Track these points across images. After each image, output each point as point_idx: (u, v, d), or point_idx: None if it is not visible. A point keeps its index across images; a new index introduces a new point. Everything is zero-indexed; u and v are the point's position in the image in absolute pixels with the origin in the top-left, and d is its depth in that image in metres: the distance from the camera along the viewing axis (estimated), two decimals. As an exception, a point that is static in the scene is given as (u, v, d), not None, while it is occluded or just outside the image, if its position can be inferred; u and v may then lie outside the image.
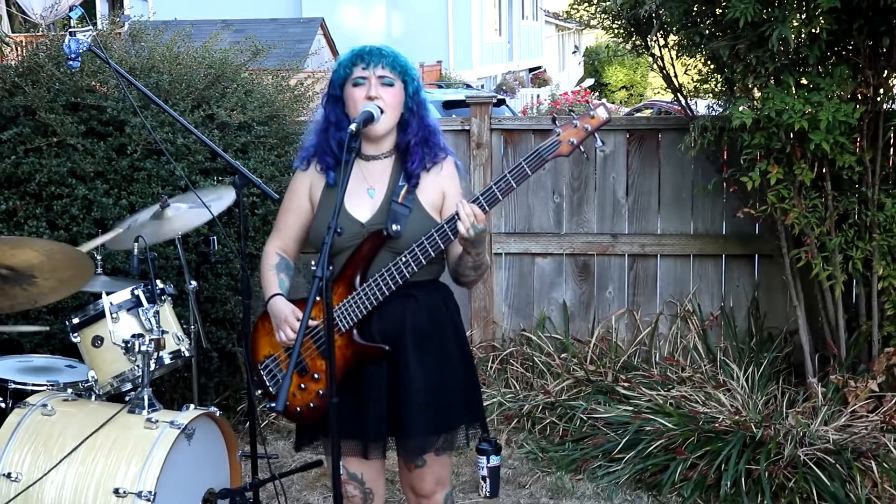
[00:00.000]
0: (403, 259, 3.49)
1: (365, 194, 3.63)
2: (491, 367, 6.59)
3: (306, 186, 3.74)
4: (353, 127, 3.43)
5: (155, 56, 6.13)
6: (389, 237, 3.54)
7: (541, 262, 6.89)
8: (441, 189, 3.63)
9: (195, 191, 4.81)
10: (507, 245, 6.88)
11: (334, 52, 27.40)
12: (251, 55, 6.53)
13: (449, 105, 15.19)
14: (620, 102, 32.91)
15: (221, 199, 4.88)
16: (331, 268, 3.29)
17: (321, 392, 3.61)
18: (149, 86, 5.74)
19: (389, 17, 29.68)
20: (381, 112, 3.55)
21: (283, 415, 3.79)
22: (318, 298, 3.31)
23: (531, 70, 37.24)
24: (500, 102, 15.91)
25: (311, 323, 3.55)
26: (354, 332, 3.57)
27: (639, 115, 10.12)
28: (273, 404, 3.16)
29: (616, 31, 6.70)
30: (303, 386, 3.65)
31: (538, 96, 28.78)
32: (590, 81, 32.18)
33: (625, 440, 5.53)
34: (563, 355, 6.55)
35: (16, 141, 5.69)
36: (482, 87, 29.13)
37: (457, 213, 3.40)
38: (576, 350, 6.60)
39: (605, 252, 6.81)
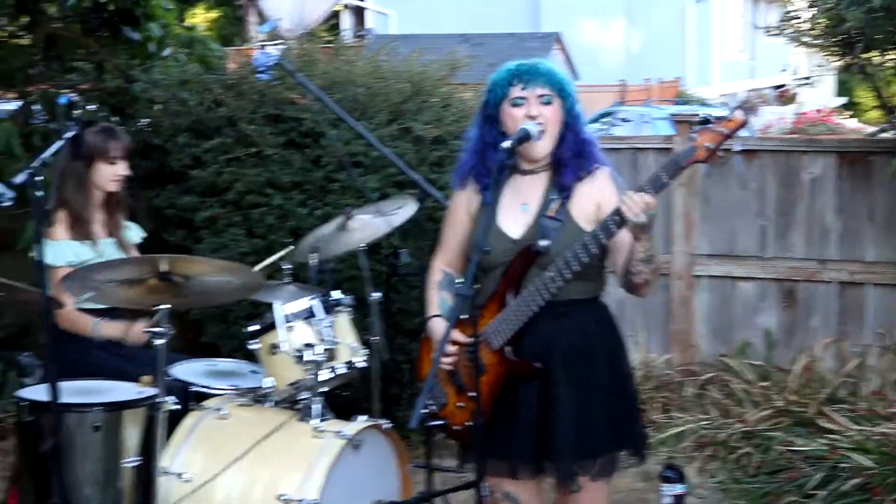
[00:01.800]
0: (550, 273, 3.40)
1: (518, 209, 3.56)
2: (689, 392, 6.38)
3: (464, 205, 3.70)
4: (506, 144, 3.38)
5: (355, 70, 6.19)
6: (539, 253, 3.45)
7: (743, 286, 6.65)
8: (595, 200, 3.51)
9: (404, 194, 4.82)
10: (709, 268, 6.68)
11: (571, 68, 27.41)
12: (449, 69, 6.51)
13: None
14: (873, 123, 31.69)
15: (403, 209, 4.90)
16: (477, 286, 3.24)
17: (476, 411, 3.54)
18: (346, 99, 5.80)
19: (628, 32, 29.48)
20: (542, 132, 3.47)
21: (446, 434, 3.75)
22: (469, 317, 3.29)
23: (777, 87, 36.27)
24: (706, 122, 15.46)
25: (464, 340, 3.48)
26: (507, 349, 3.50)
27: (853, 137, 9.66)
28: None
29: (826, 48, 6.43)
30: (460, 404, 3.60)
31: (782, 115, 28.00)
32: (840, 101, 31.12)
33: (821, 476, 5.26)
34: (763, 383, 6.28)
35: (218, 151, 5.85)
36: (725, 104, 28.53)
37: (620, 204, 3.28)
38: (777, 379, 6.32)
39: (811, 278, 6.52)
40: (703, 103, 23.82)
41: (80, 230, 4.73)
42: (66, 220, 4.72)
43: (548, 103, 3.49)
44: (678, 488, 5.11)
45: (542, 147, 3.51)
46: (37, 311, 4.00)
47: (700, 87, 28.96)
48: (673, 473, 5.14)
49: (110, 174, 4.79)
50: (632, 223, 3.27)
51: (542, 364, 3.47)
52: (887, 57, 6.02)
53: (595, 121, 21.60)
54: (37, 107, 6.17)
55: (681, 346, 6.71)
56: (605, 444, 3.54)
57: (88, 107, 6.57)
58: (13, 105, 7.10)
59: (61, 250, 4.64)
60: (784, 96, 34.92)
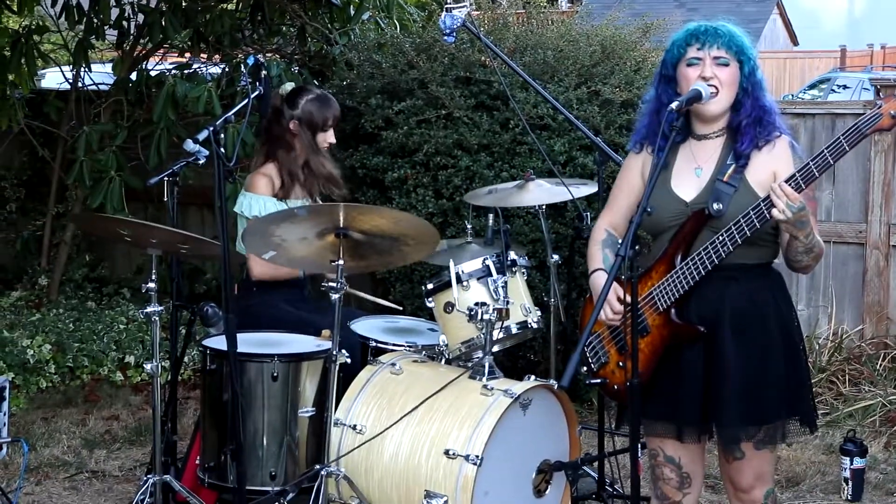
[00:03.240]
0: (721, 238, 3.37)
1: (692, 173, 3.53)
2: (880, 366, 6.21)
3: (638, 167, 3.68)
4: (674, 105, 3.36)
5: (547, 33, 6.22)
6: (712, 216, 3.42)
7: (946, 256, 6.42)
8: (772, 169, 3.45)
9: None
10: (907, 236, 6.46)
11: (790, 32, 26.73)
12: (642, 33, 6.46)
13: None
14: None
15: (585, 187, 4.94)
16: (637, 247, 3.25)
17: (638, 372, 3.54)
18: (535, 62, 5.85)
19: (852, -4, 28.50)
20: (715, 92, 3.44)
21: (605, 394, 3.78)
22: (635, 277, 3.30)
23: None
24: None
25: (628, 300, 3.48)
26: (672, 311, 3.48)
27: None
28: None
29: None
30: (621, 364, 3.60)
31: None
32: None
33: None
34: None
35: (409, 112, 5.97)
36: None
37: (770, 194, 3.26)
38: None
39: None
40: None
41: (283, 190, 4.91)
42: (272, 178, 4.91)
43: (724, 65, 3.45)
44: (858, 462, 5.01)
45: (715, 107, 3.46)
46: (236, 266, 4.18)
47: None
48: (854, 447, 5.04)
49: (322, 141, 4.97)
50: (779, 219, 3.25)
51: (708, 328, 3.45)
52: None
53: (812, 87, 21.03)
54: (240, 70, 6.42)
55: (874, 318, 6.51)
56: (772, 412, 3.47)
57: (292, 69, 6.84)
58: (217, 68, 7.40)
59: (262, 205, 4.83)
60: None
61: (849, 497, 4.99)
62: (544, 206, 4.98)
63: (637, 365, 3.35)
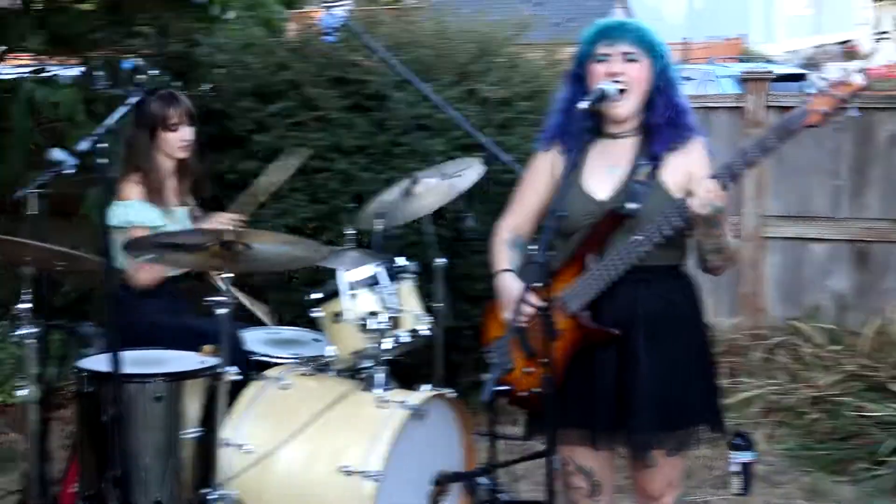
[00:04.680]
0: (635, 239, 3.31)
1: (605, 172, 3.45)
2: (756, 357, 6.28)
3: (547, 167, 3.59)
4: (582, 104, 3.29)
5: (420, 31, 6.12)
6: (626, 217, 3.35)
7: (815, 247, 6.56)
8: (687, 171, 3.39)
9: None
10: (780, 229, 6.57)
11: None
12: (517, 29, 6.40)
13: (786, 78, 14.50)
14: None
15: (468, 170, 4.83)
16: (552, 250, 3.19)
17: (546, 378, 3.46)
18: (411, 60, 5.73)
19: (692, -11, 29.11)
20: (622, 90, 3.37)
21: (511, 402, 3.68)
22: (543, 281, 3.23)
23: (842, 43, 35.65)
24: (798, 77, 15.18)
25: (537, 302, 3.39)
26: (584, 314, 3.41)
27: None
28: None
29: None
30: (528, 370, 3.50)
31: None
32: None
33: (894, 443, 5.16)
34: (833, 347, 6.17)
35: (282, 115, 5.81)
36: (800, 62, 28.09)
37: (690, 189, 3.20)
38: (848, 343, 6.20)
39: (886, 239, 6.39)
40: (768, 60, 23.49)
41: (153, 196, 4.72)
42: (139, 184, 4.70)
43: (633, 61, 3.39)
44: (747, 455, 5.03)
45: (625, 107, 3.40)
46: (99, 279, 3.97)
47: (764, 43, 28.54)
48: (742, 440, 5.05)
49: (175, 141, 4.76)
50: (696, 215, 3.20)
51: (621, 331, 3.39)
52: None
53: (674, 81, 21.32)
54: (99, 73, 6.15)
55: (749, 309, 6.61)
56: (685, 418, 3.44)
57: (151, 72, 6.59)
58: (76, 71, 7.10)
59: (133, 210, 4.62)
60: (850, 51, 34.41)
61: (737, 491, 5.01)
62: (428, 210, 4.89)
63: (550, 371, 3.28)
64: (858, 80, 3.14)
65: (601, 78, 3.37)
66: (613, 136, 3.47)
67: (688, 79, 20.04)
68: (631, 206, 3.34)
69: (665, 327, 3.41)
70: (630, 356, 3.39)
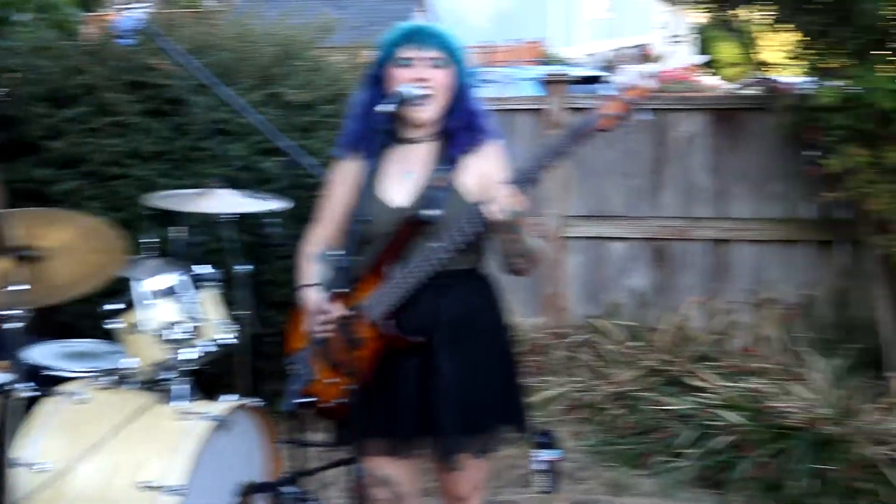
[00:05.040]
0: (435, 246, 3.30)
1: (403, 178, 3.43)
2: (559, 355, 6.39)
3: (347, 174, 3.53)
4: (382, 107, 3.26)
5: (221, 34, 6.03)
6: (424, 223, 3.35)
7: (614, 246, 6.69)
8: (484, 174, 3.40)
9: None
10: (580, 229, 6.69)
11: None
12: (320, 31, 6.37)
13: (585, 81, 14.72)
14: (733, 80, 32.14)
15: (277, 202, 4.79)
16: (356, 258, 3.16)
17: (350, 388, 3.43)
18: (211, 64, 5.63)
19: (494, -8, 29.47)
20: (427, 95, 3.36)
21: (315, 413, 3.63)
22: (346, 290, 3.19)
23: (639, 46, 36.62)
24: (597, 80, 15.50)
25: (340, 312, 3.36)
26: (386, 322, 3.38)
27: (724, 94, 9.85)
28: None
29: (700, 4, 6.44)
30: (331, 380, 3.45)
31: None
32: (701, 58, 31.54)
33: (691, 435, 5.31)
34: (633, 344, 6.32)
35: (77, 120, 5.64)
36: (599, 65, 28.70)
37: (487, 196, 3.21)
38: (647, 339, 6.36)
39: (682, 237, 6.57)
40: (567, 63, 23.96)
41: None
42: None
43: (439, 67, 3.38)
44: (552, 453, 5.09)
45: (429, 111, 3.38)
46: None
47: (564, 46, 29.10)
48: (546, 438, 5.09)
49: None
50: (495, 220, 3.21)
51: (423, 337, 3.38)
52: (756, 12, 6.03)
53: (473, 85, 21.50)
54: None
55: (552, 308, 6.72)
56: (489, 420, 3.45)
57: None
58: None
59: None
60: (646, 55, 35.37)
61: (542, 489, 5.07)
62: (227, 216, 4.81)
63: (354, 381, 3.25)
64: (648, 84, 3.21)
65: (404, 82, 3.35)
66: (411, 142, 3.45)
67: (491, 81, 20.28)
68: (429, 212, 3.34)
69: (466, 331, 3.41)
70: (432, 362, 3.38)
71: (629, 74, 3.28)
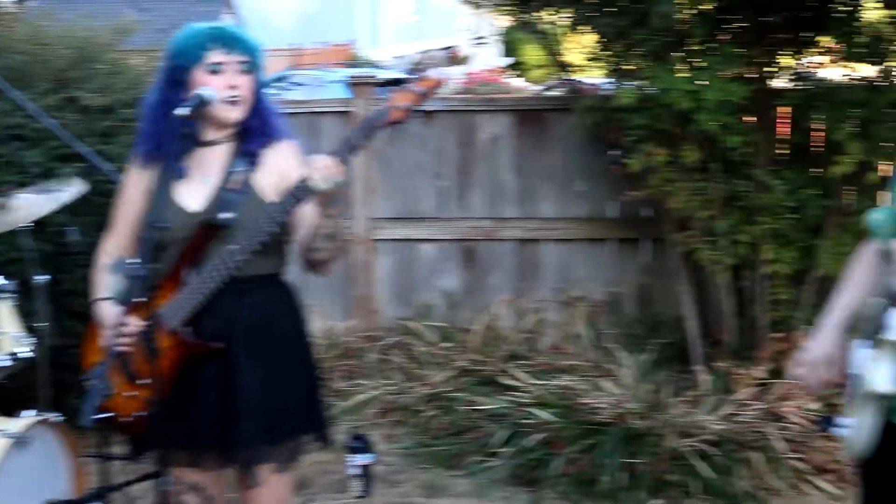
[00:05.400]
0: (231, 249, 3.22)
1: (199, 182, 3.34)
2: (371, 358, 6.36)
3: (142, 180, 3.42)
4: (182, 111, 3.16)
5: (13, 35, 5.80)
6: (220, 227, 3.26)
7: (424, 247, 6.70)
8: (279, 171, 3.34)
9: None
10: (389, 231, 6.67)
11: (243, 30, 26.92)
12: (119, 33, 6.19)
13: (392, 83, 14.73)
14: (538, 82, 32.60)
15: (70, 188, 4.61)
16: (153, 266, 3.05)
17: (150, 399, 3.32)
18: (4, 67, 5.42)
19: (299, -6, 29.31)
20: (236, 100, 3.27)
21: (115, 428, 3.48)
22: (143, 299, 3.09)
23: (446, 48, 36.91)
24: (403, 81, 15.54)
25: (137, 324, 3.24)
26: (184, 329, 3.28)
27: (529, 95, 10.01)
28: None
29: (500, 6, 6.49)
30: (131, 393, 3.32)
31: (452, 76, 28.46)
32: (507, 61, 31.95)
33: (504, 434, 5.34)
34: (445, 345, 6.34)
35: None
36: (406, 67, 28.77)
37: (305, 170, 3.14)
38: (459, 339, 6.39)
39: (490, 237, 6.63)
40: (375, 65, 24.00)
41: None
42: None
43: (247, 72, 3.30)
44: (365, 457, 5.08)
45: (236, 115, 3.30)
46: None
47: (372, 49, 29.14)
48: (359, 443, 5.10)
49: None
50: (317, 190, 3.14)
51: (223, 344, 3.30)
52: (559, 15, 6.11)
53: (270, 85, 21.37)
54: None
55: (363, 311, 6.69)
56: (290, 429, 3.38)
57: None
58: None
59: None
60: (453, 57, 35.65)
61: (357, 494, 5.05)
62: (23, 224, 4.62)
63: (154, 392, 3.15)
64: (434, 76, 3.22)
65: (217, 89, 3.26)
66: (207, 144, 3.37)
67: (299, 84, 20.18)
68: (224, 215, 3.26)
69: (265, 338, 3.34)
70: (232, 370, 3.30)
71: (432, 71, 3.28)
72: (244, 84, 3.29)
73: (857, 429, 2.86)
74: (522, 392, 5.58)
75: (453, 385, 5.94)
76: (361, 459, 5.04)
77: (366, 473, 5.06)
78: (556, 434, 5.21)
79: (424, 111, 3.28)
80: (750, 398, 5.36)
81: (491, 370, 5.97)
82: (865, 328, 2.81)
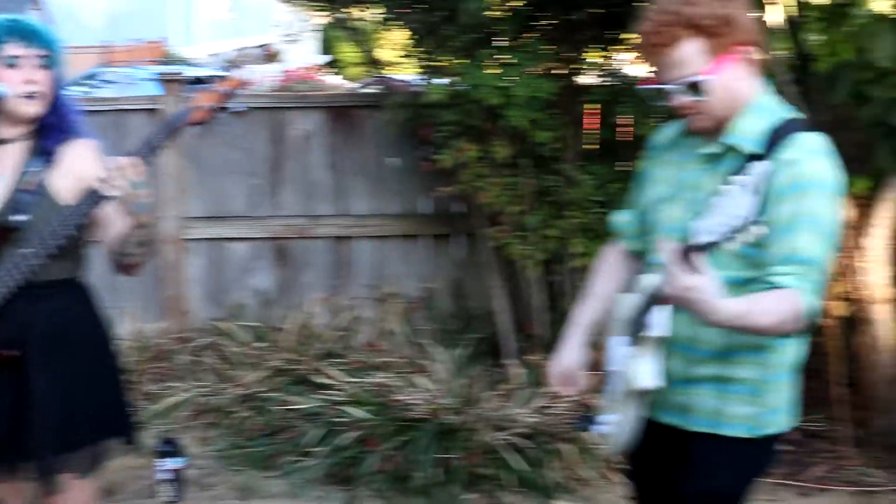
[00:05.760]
0: (25, 252, 3.09)
1: (-8, 182, 3.21)
2: (183, 360, 6.23)
3: None
4: None
5: None
6: (12, 229, 3.13)
7: (236, 247, 6.61)
8: (75, 172, 3.21)
9: None
10: (200, 230, 6.55)
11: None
12: None
13: (205, 81, 14.48)
14: (355, 79, 32.55)
15: None
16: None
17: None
18: None
19: (110, -10, 28.68)
20: (35, 96, 3.15)
21: None
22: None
23: (261, 46, 36.56)
24: (216, 79, 15.30)
25: None
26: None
27: (340, 92, 9.94)
28: None
29: (311, 4, 6.45)
30: None
31: (268, 74, 28.20)
32: (324, 58, 31.82)
33: (318, 433, 5.29)
34: (259, 344, 6.25)
35: None
36: (221, 64, 28.39)
37: (99, 174, 3.03)
38: (272, 339, 6.31)
39: (303, 235, 6.57)
40: (189, 63, 23.62)
41: None
42: None
43: (47, 66, 3.17)
44: (176, 461, 4.96)
45: (35, 110, 3.17)
46: None
47: (185, 46, 28.68)
48: (169, 446, 4.99)
49: None
50: (114, 193, 3.03)
51: (17, 351, 3.16)
52: (370, 11, 6.09)
53: (79, 83, 20.79)
54: None
55: (174, 312, 6.55)
56: (90, 435, 3.26)
57: None
58: None
59: None
60: (269, 54, 35.37)
61: (168, 499, 4.93)
62: None
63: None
64: (238, 75, 3.17)
65: (13, 84, 3.13)
66: (2, 142, 3.23)
67: (109, 82, 19.73)
68: (16, 217, 3.12)
69: (62, 343, 3.22)
70: (26, 378, 3.16)
71: (245, 72, 3.24)
72: (42, 79, 3.18)
73: (619, 425, 2.89)
74: (337, 390, 5.54)
75: (267, 385, 5.86)
76: (172, 463, 4.93)
77: (177, 478, 4.95)
78: (370, 432, 5.18)
79: (233, 110, 3.22)
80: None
81: (305, 369, 5.91)
82: (622, 327, 2.82)
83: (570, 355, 3.03)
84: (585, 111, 5.84)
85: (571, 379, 3.02)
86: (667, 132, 2.99)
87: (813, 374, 5.74)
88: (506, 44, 5.49)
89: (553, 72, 5.58)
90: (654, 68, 2.76)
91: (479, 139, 5.56)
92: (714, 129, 2.75)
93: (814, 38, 5.13)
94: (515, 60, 5.36)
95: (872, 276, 5.25)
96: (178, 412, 5.82)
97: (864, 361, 5.41)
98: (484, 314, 6.34)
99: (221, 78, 3.19)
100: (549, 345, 5.73)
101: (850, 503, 4.95)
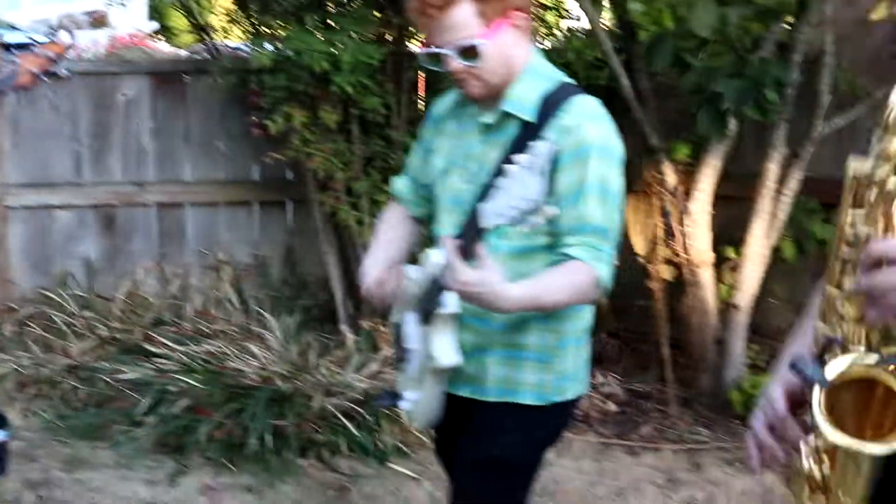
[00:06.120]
0: None
1: None
2: (8, 330, 6.08)
3: None
4: None
5: None
6: None
7: (61, 214, 6.46)
8: None
9: None
10: (23, 197, 6.38)
11: None
12: None
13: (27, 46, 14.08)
14: (186, 47, 32.01)
15: None
16: None
17: None
18: None
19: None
20: None
21: None
22: None
23: (89, 12, 35.67)
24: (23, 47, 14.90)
25: None
26: None
27: (167, 57, 9.77)
28: None
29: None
30: None
31: (96, 40, 27.54)
32: (154, 25, 31.18)
33: (149, 402, 5.22)
34: (86, 314, 6.12)
35: None
36: (46, 30, 27.48)
37: None
38: (100, 308, 6.19)
39: (130, 202, 6.47)
40: (12, 27, 22.89)
41: None
42: None
43: None
44: (1, 435, 4.84)
45: None
46: None
47: (11, 11, 27.76)
48: (-7, 419, 4.86)
49: None
50: None
51: None
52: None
53: None
54: None
55: (-2, 283, 6.39)
56: None
57: None
58: None
59: None
60: (97, 20, 34.46)
61: (-6, 473, 4.82)
62: None
63: None
64: (64, 39, 3.13)
65: None
66: None
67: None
68: None
69: None
70: None
71: (70, 36, 3.19)
72: None
73: (421, 402, 2.87)
74: (167, 359, 5.47)
75: (96, 355, 5.76)
76: (-4, 437, 4.80)
77: (1, 451, 4.83)
78: (202, 400, 5.14)
79: (57, 74, 3.17)
80: (395, 355, 5.47)
81: (135, 338, 5.82)
82: (414, 304, 2.80)
83: (374, 262, 2.91)
84: (415, 78, 5.87)
85: (382, 281, 2.86)
86: (446, 101, 2.94)
87: (641, 336, 5.99)
88: (333, 9, 5.48)
89: (382, 38, 5.60)
90: (427, 32, 2.69)
91: (308, 105, 5.55)
92: (490, 97, 2.70)
93: (636, 6, 5.28)
94: (343, 26, 5.35)
95: (696, 241, 5.41)
96: (2, 384, 5.67)
97: (690, 324, 5.59)
98: (317, 281, 6.35)
99: (46, 43, 3.13)
100: (381, 311, 5.78)
101: (676, 461, 5.10)
